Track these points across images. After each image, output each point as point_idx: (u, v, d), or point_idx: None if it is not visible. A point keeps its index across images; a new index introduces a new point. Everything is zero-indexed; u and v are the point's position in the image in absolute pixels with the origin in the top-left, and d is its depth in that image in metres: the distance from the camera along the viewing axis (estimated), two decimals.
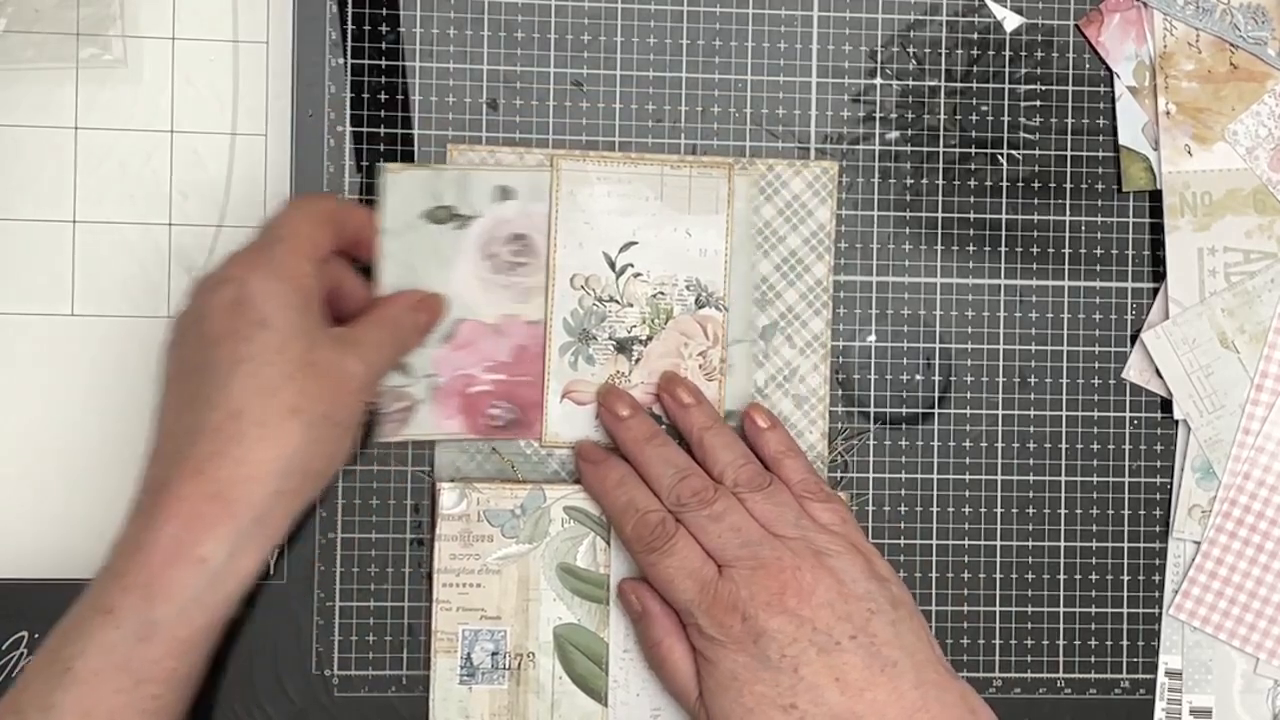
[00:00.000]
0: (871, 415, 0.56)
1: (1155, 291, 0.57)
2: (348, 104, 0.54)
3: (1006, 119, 0.56)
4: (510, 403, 0.53)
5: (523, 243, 0.53)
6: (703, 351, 0.55)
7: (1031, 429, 0.56)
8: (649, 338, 0.55)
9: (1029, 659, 0.56)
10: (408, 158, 0.54)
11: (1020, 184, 0.56)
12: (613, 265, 0.54)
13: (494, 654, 0.54)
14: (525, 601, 0.54)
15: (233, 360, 0.44)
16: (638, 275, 0.54)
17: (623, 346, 0.55)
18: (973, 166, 0.56)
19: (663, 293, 0.55)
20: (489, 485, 0.54)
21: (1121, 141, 0.57)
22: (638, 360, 0.55)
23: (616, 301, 0.54)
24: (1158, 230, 0.57)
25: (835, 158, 0.56)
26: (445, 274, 0.53)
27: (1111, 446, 0.57)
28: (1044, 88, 0.57)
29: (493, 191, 0.53)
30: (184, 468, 0.43)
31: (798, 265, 0.55)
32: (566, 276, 0.54)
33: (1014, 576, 0.56)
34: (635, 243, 0.54)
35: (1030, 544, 0.56)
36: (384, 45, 0.54)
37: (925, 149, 0.56)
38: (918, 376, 0.56)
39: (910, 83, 0.56)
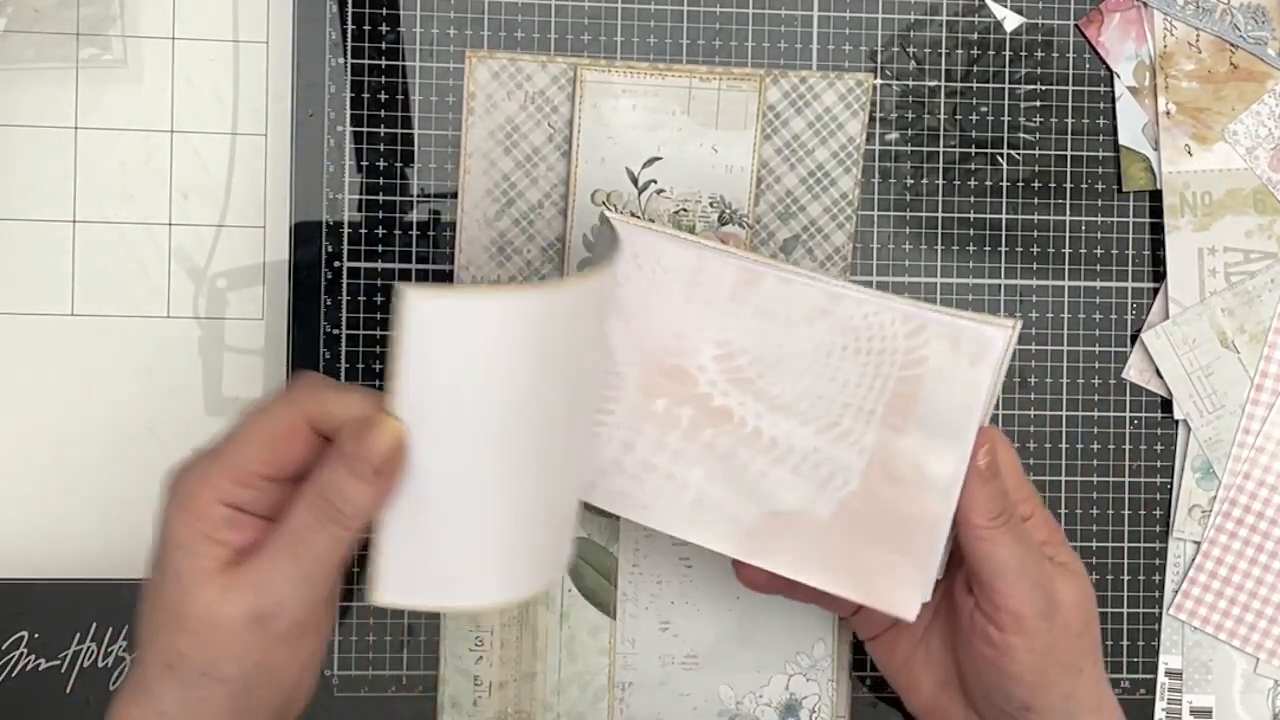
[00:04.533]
0: None
1: (1155, 291, 0.57)
2: (348, 104, 0.54)
3: (1006, 119, 0.56)
4: None
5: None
6: None
7: (1031, 429, 0.56)
8: None
9: None
10: (408, 158, 0.54)
11: (1020, 184, 0.56)
12: (635, 181, 0.54)
13: None
14: None
15: (145, 593, 0.41)
16: (660, 192, 0.54)
17: None
18: (973, 166, 0.56)
19: (685, 209, 0.54)
20: None
21: (1121, 141, 0.57)
22: None
23: (638, 217, 0.54)
24: (1158, 230, 0.57)
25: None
26: None
27: (1111, 446, 0.57)
28: (1044, 88, 0.56)
29: None
30: (120, 694, 0.41)
31: (824, 179, 0.55)
32: (587, 192, 0.54)
33: None
34: (659, 158, 0.53)
35: None
36: (384, 45, 0.54)
37: (925, 149, 0.56)
38: None
39: (910, 83, 0.56)
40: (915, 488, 0.45)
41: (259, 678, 0.40)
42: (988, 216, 0.56)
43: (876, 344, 0.45)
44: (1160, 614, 0.57)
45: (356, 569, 0.54)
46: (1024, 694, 0.47)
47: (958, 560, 0.47)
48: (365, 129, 0.54)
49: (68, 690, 0.53)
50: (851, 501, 0.46)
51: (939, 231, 0.56)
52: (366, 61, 0.54)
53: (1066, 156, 0.57)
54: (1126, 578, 0.57)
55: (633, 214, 0.53)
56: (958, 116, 0.56)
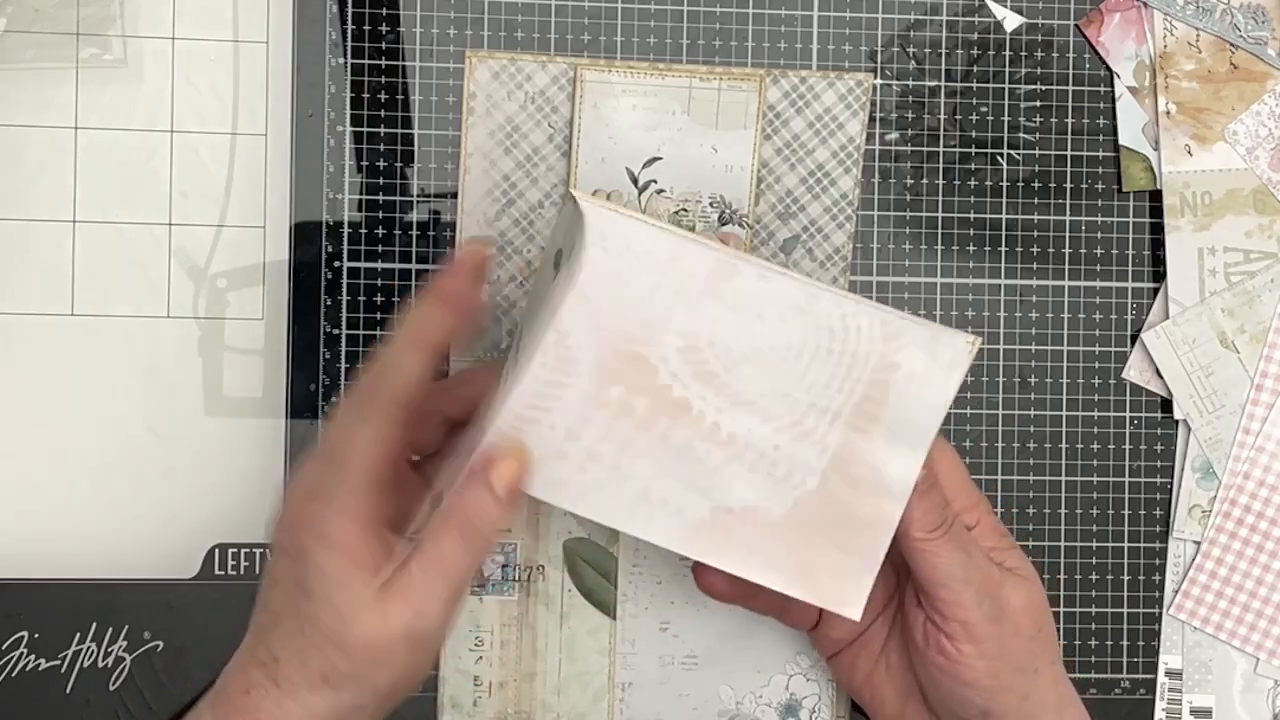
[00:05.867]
0: None
1: (1155, 291, 0.57)
2: (348, 104, 0.54)
3: (1006, 119, 0.56)
4: None
5: None
6: None
7: (1031, 429, 0.56)
8: None
9: None
10: (408, 158, 0.54)
11: (1020, 184, 0.56)
12: (635, 181, 0.54)
13: (504, 566, 0.54)
14: (535, 515, 0.54)
15: (280, 609, 0.43)
16: (660, 192, 0.54)
17: None
18: (973, 166, 0.56)
19: (685, 210, 0.54)
20: None
21: (1121, 141, 0.57)
22: None
23: (608, 198, 0.54)
24: (1158, 230, 0.57)
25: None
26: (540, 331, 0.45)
27: (1111, 446, 0.57)
28: (1044, 88, 0.57)
29: None
30: (232, 686, 0.43)
31: (824, 179, 0.55)
32: (587, 192, 0.53)
33: None
34: (659, 158, 0.53)
35: (1030, 544, 0.56)
36: (384, 45, 0.54)
37: (925, 149, 0.56)
38: None
39: (910, 83, 0.56)
40: (872, 490, 0.45)
41: (405, 681, 0.44)
42: (988, 216, 0.56)
43: (851, 346, 0.45)
44: (1160, 614, 0.57)
45: None
46: (981, 700, 0.47)
47: (908, 573, 0.48)
48: (365, 129, 0.54)
49: (68, 690, 0.53)
50: (807, 500, 0.45)
51: (939, 231, 0.56)
52: (366, 61, 0.54)
53: (1066, 156, 0.57)
54: (1126, 578, 0.57)
55: (608, 195, 0.53)
56: (958, 116, 0.56)
